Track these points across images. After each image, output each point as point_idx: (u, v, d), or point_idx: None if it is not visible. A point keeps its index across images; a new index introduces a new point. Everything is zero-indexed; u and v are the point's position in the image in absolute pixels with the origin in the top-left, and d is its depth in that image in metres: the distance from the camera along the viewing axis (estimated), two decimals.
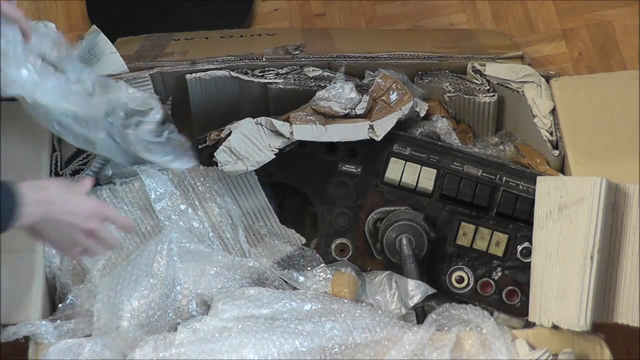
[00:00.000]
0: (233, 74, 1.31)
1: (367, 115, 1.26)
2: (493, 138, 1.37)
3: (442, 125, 1.33)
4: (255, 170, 1.22)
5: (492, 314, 1.20)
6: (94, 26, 1.32)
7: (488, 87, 1.33)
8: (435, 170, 1.25)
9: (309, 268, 1.21)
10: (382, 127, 1.23)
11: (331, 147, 1.26)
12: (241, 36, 1.51)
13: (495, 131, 1.39)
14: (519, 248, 1.22)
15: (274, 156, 1.20)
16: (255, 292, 1.14)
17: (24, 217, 0.94)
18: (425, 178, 1.25)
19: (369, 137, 1.22)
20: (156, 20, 1.71)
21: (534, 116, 1.26)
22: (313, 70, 1.33)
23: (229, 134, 1.20)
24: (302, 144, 1.23)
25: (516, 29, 1.70)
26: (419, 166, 1.25)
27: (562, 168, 1.26)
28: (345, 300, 1.15)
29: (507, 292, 1.22)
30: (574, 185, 1.12)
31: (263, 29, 1.72)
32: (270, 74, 1.33)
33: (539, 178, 1.18)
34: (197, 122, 1.39)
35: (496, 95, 1.33)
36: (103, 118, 1.17)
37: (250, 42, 1.47)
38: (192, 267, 1.17)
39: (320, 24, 1.74)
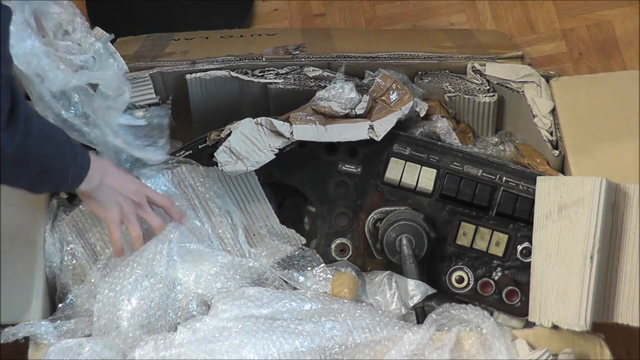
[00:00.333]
0: (233, 74, 1.31)
1: (367, 115, 1.26)
2: (493, 138, 1.37)
3: (442, 125, 1.33)
4: (255, 170, 1.21)
5: (492, 314, 1.20)
6: (98, 28, 1.32)
7: (488, 87, 1.33)
8: (435, 170, 1.25)
9: (309, 268, 1.21)
10: (382, 127, 1.23)
11: (331, 147, 1.26)
12: (241, 36, 1.51)
13: (495, 131, 1.39)
14: (519, 248, 1.22)
15: (274, 156, 1.20)
16: (255, 292, 1.14)
17: (88, 180, 1.06)
18: (425, 178, 1.25)
19: (369, 137, 1.22)
20: (156, 20, 1.71)
21: (534, 116, 1.26)
22: (313, 70, 1.33)
23: (229, 134, 1.20)
24: (302, 144, 1.23)
25: (516, 29, 1.70)
26: (419, 166, 1.25)
27: (562, 168, 1.26)
28: (345, 300, 1.15)
29: (507, 292, 1.22)
30: (574, 185, 1.12)
31: (263, 29, 1.72)
32: (270, 74, 1.33)
33: (539, 178, 1.18)
34: (197, 122, 1.39)
35: (496, 95, 1.33)
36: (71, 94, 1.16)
37: (250, 42, 1.47)
38: (192, 267, 1.16)
39: (320, 24, 1.74)
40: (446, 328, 1.12)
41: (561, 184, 1.14)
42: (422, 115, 1.33)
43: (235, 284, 1.17)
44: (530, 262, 1.16)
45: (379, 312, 1.14)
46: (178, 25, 1.58)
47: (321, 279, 1.20)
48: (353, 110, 1.25)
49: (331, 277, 1.19)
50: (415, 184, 1.25)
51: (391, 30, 1.71)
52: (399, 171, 1.25)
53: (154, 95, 1.30)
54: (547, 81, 1.29)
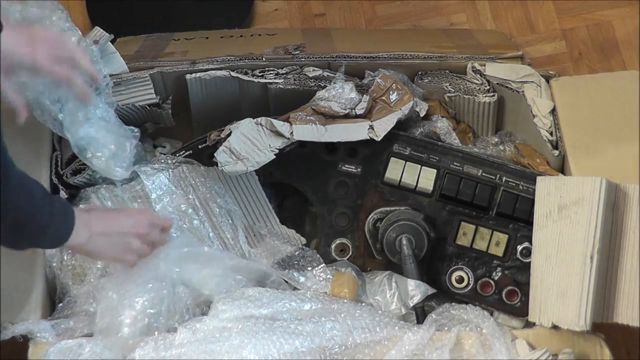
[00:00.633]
0: (233, 74, 1.31)
1: (367, 115, 1.26)
2: (493, 138, 1.37)
3: (442, 125, 1.33)
4: (255, 170, 1.21)
5: (492, 314, 1.20)
6: (97, 27, 1.32)
7: (488, 87, 1.33)
8: (435, 170, 1.25)
9: (309, 268, 1.21)
10: (382, 127, 1.23)
11: (331, 147, 1.26)
12: (241, 36, 1.51)
13: (495, 131, 1.39)
14: (519, 248, 1.22)
15: (274, 156, 1.20)
16: (255, 292, 1.13)
17: (74, 238, 1.01)
18: (425, 178, 1.25)
19: (368, 137, 1.22)
20: (156, 20, 1.71)
21: (533, 116, 1.26)
22: (313, 70, 1.33)
23: (229, 134, 1.20)
24: (302, 144, 1.23)
25: (516, 29, 1.70)
26: (419, 166, 1.25)
27: (562, 168, 1.26)
28: (345, 300, 1.15)
29: (507, 292, 1.22)
30: (574, 185, 1.12)
31: (263, 29, 1.72)
32: (270, 74, 1.33)
33: (538, 178, 1.18)
34: (197, 122, 1.39)
35: (496, 95, 1.33)
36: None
37: (250, 42, 1.47)
38: (193, 267, 1.16)
39: (320, 24, 1.74)
40: (446, 328, 1.12)
41: (561, 184, 1.14)
42: (422, 115, 1.33)
43: (237, 285, 1.17)
44: (530, 262, 1.16)
45: (379, 312, 1.14)
46: (178, 25, 1.58)
47: (321, 279, 1.20)
48: (353, 111, 1.25)
49: (331, 277, 1.20)
50: (415, 184, 1.25)
51: (391, 30, 1.71)
52: (399, 171, 1.25)
53: (153, 95, 1.30)
54: (547, 81, 1.29)
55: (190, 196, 1.24)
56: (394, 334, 1.08)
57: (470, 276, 1.23)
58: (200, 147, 1.25)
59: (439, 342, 1.08)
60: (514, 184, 1.23)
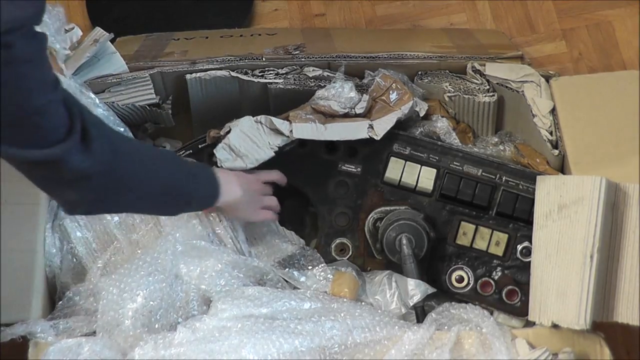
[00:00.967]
0: (233, 74, 1.31)
1: (366, 114, 1.26)
2: (493, 138, 1.37)
3: (442, 125, 1.33)
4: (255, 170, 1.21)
5: (492, 314, 1.20)
6: (97, 27, 1.32)
7: (488, 87, 1.33)
8: (435, 170, 1.25)
9: (309, 267, 1.21)
10: (382, 126, 1.23)
11: (331, 147, 1.26)
12: (241, 36, 1.51)
13: (495, 131, 1.39)
14: (519, 247, 1.22)
15: (274, 154, 1.20)
16: (255, 291, 1.13)
17: (227, 193, 1.12)
18: (425, 178, 1.25)
19: (368, 136, 1.22)
20: (156, 20, 1.71)
21: (533, 116, 1.26)
22: (313, 70, 1.33)
23: (228, 132, 1.20)
24: (302, 143, 1.23)
25: (516, 29, 1.70)
26: (419, 166, 1.25)
27: (562, 168, 1.26)
28: (345, 300, 1.15)
29: (507, 292, 1.22)
30: (574, 185, 1.12)
31: (263, 29, 1.72)
32: (270, 74, 1.33)
33: (538, 178, 1.18)
34: (197, 122, 1.39)
35: (496, 95, 1.33)
36: None
37: (250, 42, 1.47)
38: (196, 264, 1.16)
39: (320, 24, 1.74)
40: (446, 327, 1.12)
41: (561, 184, 1.14)
42: (422, 115, 1.33)
43: (239, 283, 1.17)
44: (530, 262, 1.16)
45: (379, 311, 1.14)
46: (178, 25, 1.58)
47: (321, 278, 1.19)
48: (352, 110, 1.25)
49: (331, 276, 1.19)
50: (415, 183, 1.25)
51: (391, 30, 1.71)
52: (398, 171, 1.25)
53: (153, 95, 1.30)
54: (547, 81, 1.29)
55: None
56: (394, 333, 1.08)
57: (470, 276, 1.23)
58: (200, 146, 1.25)
59: (438, 342, 1.07)
60: (513, 184, 1.23)
